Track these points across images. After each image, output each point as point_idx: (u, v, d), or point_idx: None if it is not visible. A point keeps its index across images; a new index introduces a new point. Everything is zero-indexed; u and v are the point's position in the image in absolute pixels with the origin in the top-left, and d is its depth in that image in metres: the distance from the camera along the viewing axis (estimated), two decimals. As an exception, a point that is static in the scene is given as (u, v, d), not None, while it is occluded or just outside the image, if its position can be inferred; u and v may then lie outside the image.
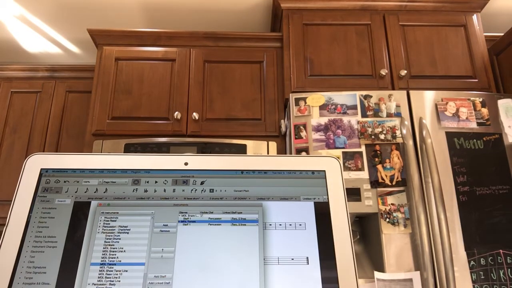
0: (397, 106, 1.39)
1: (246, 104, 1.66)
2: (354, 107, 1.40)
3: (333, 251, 0.55)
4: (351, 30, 1.69)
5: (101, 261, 0.54)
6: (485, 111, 1.39)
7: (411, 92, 1.41)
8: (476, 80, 1.60)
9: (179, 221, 0.56)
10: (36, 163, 0.60)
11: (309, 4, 1.72)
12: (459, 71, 1.62)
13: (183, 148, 1.55)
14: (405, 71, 1.57)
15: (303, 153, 1.35)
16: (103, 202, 0.58)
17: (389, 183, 1.29)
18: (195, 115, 1.60)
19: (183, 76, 1.69)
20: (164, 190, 0.59)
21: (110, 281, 0.52)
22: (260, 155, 0.63)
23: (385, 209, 1.26)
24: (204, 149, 1.55)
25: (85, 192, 0.59)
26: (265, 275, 0.53)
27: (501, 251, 1.20)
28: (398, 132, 1.35)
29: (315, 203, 0.59)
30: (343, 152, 1.34)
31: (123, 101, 1.64)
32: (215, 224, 0.56)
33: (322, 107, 1.40)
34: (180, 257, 0.54)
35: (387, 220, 1.24)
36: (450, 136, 1.34)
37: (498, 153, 1.33)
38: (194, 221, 0.57)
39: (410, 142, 1.30)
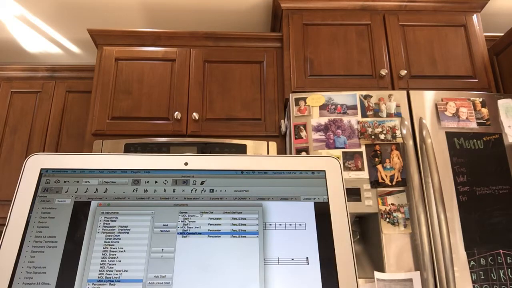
0: (397, 106, 1.39)
1: (246, 104, 1.66)
2: (354, 107, 1.40)
3: (333, 251, 0.55)
4: (351, 30, 1.69)
5: (101, 261, 0.54)
6: (485, 111, 1.39)
7: (411, 92, 1.41)
8: (476, 80, 1.60)
9: (178, 233, 0.56)
10: (36, 163, 0.60)
11: (309, 4, 1.72)
12: (459, 71, 1.62)
13: (183, 148, 1.55)
14: (405, 71, 1.57)
15: (303, 153, 1.35)
16: (103, 202, 0.58)
17: (389, 183, 1.29)
18: (195, 115, 1.60)
19: (183, 76, 1.69)
20: (164, 190, 0.59)
21: (110, 281, 0.52)
22: (260, 155, 0.63)
23: (385, 209, 1.26)
24: (204, 149, 1.55)
25: (85, 192, 0.59)
26: (265, 275, 0.53)
27: (501, 251, 1.19)
28: (398, 132, 1.35)
29: (315, 203, 0.59)
30: (343, 152, 1.34)
31: (123, 101, 1.64)
32: (215, 236, 0.56)
33: (322, 107, 1.40)
34: (180, 257, 0.54)
35: (387, 220, 1.24)
36: (450, 136, 1.34)
37: (498, 153, 1.33)
38: (193, 233, 0.56)
39: (410, 142, 1.30)
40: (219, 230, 0.56)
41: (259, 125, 1.63)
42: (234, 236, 0.56)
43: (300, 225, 0.57)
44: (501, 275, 1.17)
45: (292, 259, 0.55)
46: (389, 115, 1.38)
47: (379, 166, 1.31)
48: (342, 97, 1.41)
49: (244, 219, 0.57)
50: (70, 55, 2.33)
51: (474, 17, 1.72)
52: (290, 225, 0.57)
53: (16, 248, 0.53)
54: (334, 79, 1.60)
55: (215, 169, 0.61)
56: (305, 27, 1.69)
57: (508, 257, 1.18)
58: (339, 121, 1.38)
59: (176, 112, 1.60)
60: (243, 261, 0.54)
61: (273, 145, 1.58)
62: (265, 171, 0.62)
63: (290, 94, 1.44)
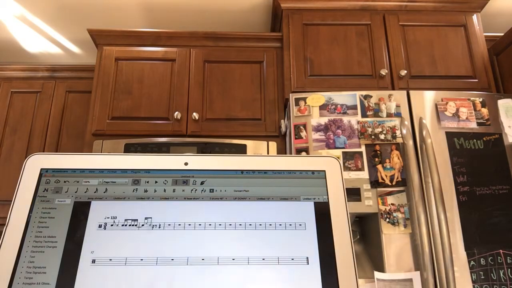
0: (397, 106, 1.39)
1: (246, 104, 1.66)
2: (354, 107, 1.40)
3: (333, 251, 0.55)
4: (351, 30, 1.69)
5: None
6: (485, 111, 1.39)
7: (411, 92, 1.41)
8: (476, 80, 1.60)
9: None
10: (36, 163, 0.60)
11: (309, 4, 1.72)
12: (459, 71, 1.62)
13: (183, 148, 1.55)
14: (405, 71, 1.57)
15: (303, 153, 1.35)
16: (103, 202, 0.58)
17: (389, 183, 1.29)
18: (195, 115, 1.60)
19: (183, 76, 1.69)
20: (164, 190, 0.59)
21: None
22: (260, 155, 0.63)
23: (385, 209, 1.26)
24: (204, 149, 1.55)
25: (85, 192, 0.59)
26: (265, 275, 0.53)
27: (501, 251, 1.19)
28: (398, 132, 1.35)
29: (315, 203, 0.59)
30: (343, 152, 1.34)
31: (123, 101, 1.64)
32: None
33: (322, 107, 1.40)
34: (180, 256, 0.54)
35: (387, 220, 1.24)
36: (450, 136, 1.34)
37: (498, 153, 1.33)
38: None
39: (410, 142, 1.30)
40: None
41: (259, 125, 1.63)
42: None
43: (300, 225, 0.57)
44: (501, 275, 1.17)
45: (292, 259, 0.55)
46: (389, 115, 1.38)
47: (379, 166, 1.31)
48: (342, 97, 1.41)
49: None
50: (70, 55, 2.33)
51: (474, 17, 1.72)
52: (290, 225, 0.57)
53: (16, 248, 0.53)
54: (334, 79, 1.60)
55: (215, 169, 0.61)
56: (305, 27, 1.69)
57: (508, 257, 1.18)
58: (339, 121, 1.38)
59: (176, 112, 1.60)
60: (243, 261, 0.54)
61: (273, 145, 1.58)
62: (265, 171, 0.62)
63: (290, 94, 1.44)
